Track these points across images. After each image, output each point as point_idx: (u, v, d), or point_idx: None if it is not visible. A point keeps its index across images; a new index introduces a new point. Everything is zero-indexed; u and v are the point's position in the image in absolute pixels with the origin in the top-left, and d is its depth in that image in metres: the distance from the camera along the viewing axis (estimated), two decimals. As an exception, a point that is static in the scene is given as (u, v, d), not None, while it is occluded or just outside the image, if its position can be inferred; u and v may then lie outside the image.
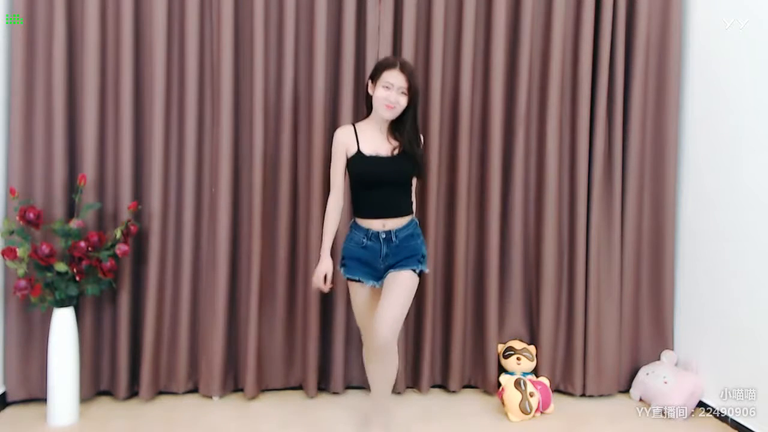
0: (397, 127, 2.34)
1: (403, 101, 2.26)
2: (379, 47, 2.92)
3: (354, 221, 2.39)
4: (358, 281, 2.36)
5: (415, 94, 2.29)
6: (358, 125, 2.37)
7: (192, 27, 2.83)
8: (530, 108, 3.07)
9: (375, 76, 2.29)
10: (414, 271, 2.32)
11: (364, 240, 2.32)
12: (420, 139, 2.40)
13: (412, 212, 2.41)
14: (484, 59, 3.03)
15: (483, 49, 3.03)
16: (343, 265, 2.37)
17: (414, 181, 2.45)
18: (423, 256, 2.37)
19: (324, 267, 2.36)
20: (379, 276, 2.36)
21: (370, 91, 2.32)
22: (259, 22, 2.85)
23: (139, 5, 2.84)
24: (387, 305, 2.22)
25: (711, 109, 2.95)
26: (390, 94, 2.24)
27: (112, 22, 2.82)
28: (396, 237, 2.32)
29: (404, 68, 2.25)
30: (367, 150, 2.30)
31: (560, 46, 3.00)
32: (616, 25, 3.02)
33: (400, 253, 2.32)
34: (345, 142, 2.33)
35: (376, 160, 2.29)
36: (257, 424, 2.70)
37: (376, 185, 2.30)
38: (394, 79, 2.23)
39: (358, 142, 2.32)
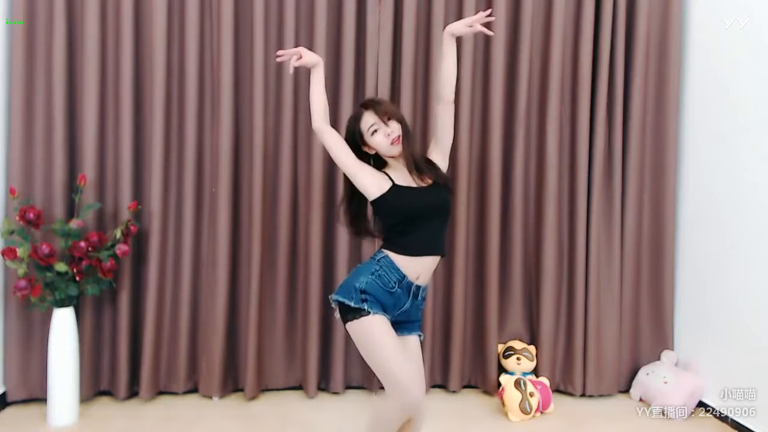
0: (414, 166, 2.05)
1: (394, 128, 1.99)
2: (379, 47, 2.92)
3: (386, 258, 1.97)
4: (383, 314, 1.92)
5: (399, 116, 2.04)
6: (385, 170, 2.07)
7: (192, 27, 2.83)
8: (530, 108, 3.07)
9: (357, 137, 2.03)
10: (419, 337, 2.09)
11: (395, 286, 1.94)
12: (433, 164, 2.11)
13: None
14: (484, 59, 3.03)
15: (483, 49, 3.03)
16: (363, 300, 1.90)
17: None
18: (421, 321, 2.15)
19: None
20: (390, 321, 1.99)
21: (370, 150, 2.05)
22: (259, 22, 2.85)
23: (139, 5, 2.84)
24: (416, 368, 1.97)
25: (711, 108, 2.95)
26: (383, 132, 1.98)
27: (112, 22, 2.82)
28: (420, 294, 2.02)
29: (369, 104, 2.03)
30: (402, 182, 2.01)
31: (560, 46, 3.00)
32: (616, 25, 3.02)
33: (412, 313, 2.03)
34: (376, 172, 2.03)
35: (416, 191, 2.00)
36: (257, 424, 2.70)
37: (423, 217, 1.98)
38: (370, 118, 1.99)
39: (390, 176, 2.02)
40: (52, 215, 2.72)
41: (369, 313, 1.87)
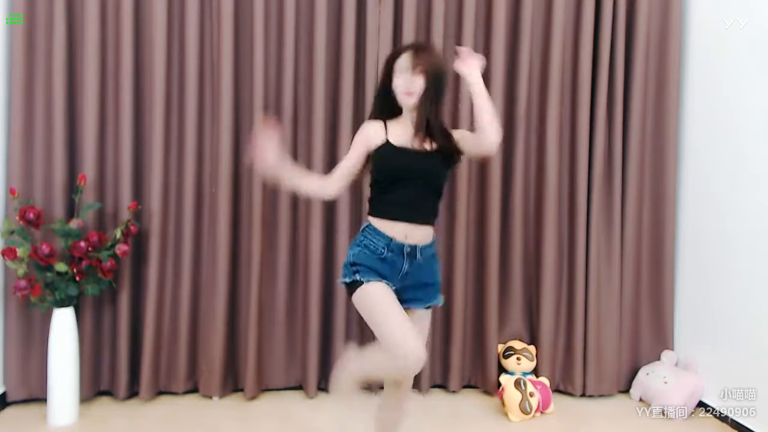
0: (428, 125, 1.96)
1: (419, 82, 1.90)
2: (379, 47, 2.92)
3: (369, 225, 1.96)
4: (382, 281, 1.88)
5: (437, 74, 1.91)
6: (389, 121, 2.01)
7: (192, 27, 2.83)
8: (530, 108, 3.07)
9: (389, 72, 1.97)
10: (432, 307, 2.02)
11: (384, 251, 1.90)
12: (448, 133, 1.98)
13: (435, 224, 2.02)
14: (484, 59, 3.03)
15: (483, 49, 3.03)
16: (355, 272, 1.89)
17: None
18: (439, 285, 2.06)
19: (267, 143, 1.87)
20: (395, 290, 1.92)
21: (392, 85, 1.97)
22: (259, 22, 2.85)
23: (139, 5, 2.84)
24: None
25: (711, 109, 2.95)
26: (404, 80, 1.91)
27: (112, 22, 2.82)
28: (421, 254, 1.94)
29: (411, 47, 1.95)
30: (397, 141, 1.94)
31: (560, 46, 3.00)
32: (616, 25, 3.02)
33: (420, 274, 1.95)
34: (370, 133, 1.98)
35: (407, 151, 1.93)
36: (257, 424, 2.70)
37: (406, 180, 1.92)
38: (403, 62, 1.92)
39: (387, 132, 1.97)
40: (52, 215, 2.72)
41: (362, 282, 1.85)
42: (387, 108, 2.01)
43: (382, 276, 1.88)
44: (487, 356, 3.05)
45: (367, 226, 1.96)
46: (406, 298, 1.94)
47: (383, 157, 1.93)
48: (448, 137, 1.96)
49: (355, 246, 1.95)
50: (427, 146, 1.94)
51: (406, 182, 1.91)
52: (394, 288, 1.90)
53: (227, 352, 2.93)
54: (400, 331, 1.76)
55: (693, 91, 3.06)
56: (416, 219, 1.93)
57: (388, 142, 1.94)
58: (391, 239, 1.90)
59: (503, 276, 3.11)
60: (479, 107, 1.85)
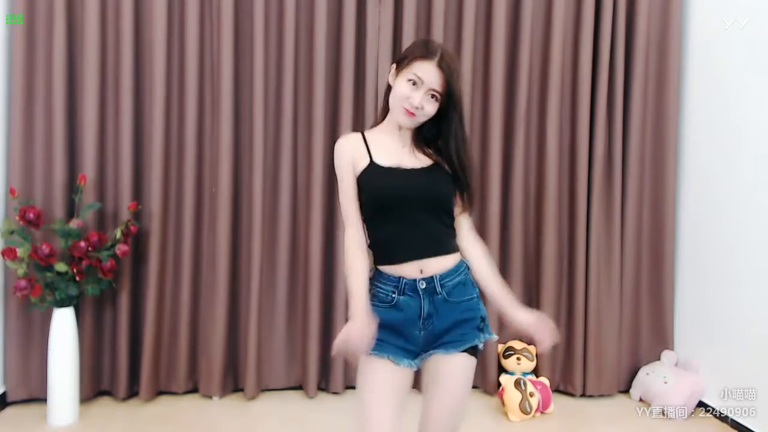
0: (426, 138, 1.60)
1: (429, 108, 1.52)
2: (379, 47, 2.92)
3: (376, 269, 1.60)
4: (385, 358, 1.52)
5: (454, 100, 1.53)
6: (369, 132, 1.63)
7: (192, 27, 2.83)
8: (530, 108, 3.07)
9: (402, 63, 1.55)
10: (473, 352, 1.58)
11: (394, 295, 1.53)
12: (468, 159, 1.60)
13: (455, 249, 1.60)
14: (484, 59, 3.03)
15: (483, 49, 3.03)
16: None
17: (460, 208, 1.61)
18: (483, 319, 1.61)
19: (357, 327, 1.45)
20: (416, 351, 1.55)
21: (390, 80, 1.58)
22: (259, 22, 2.85)
23: (139, 5, 2.84)
24: (438, 414, 1.55)
25: (711, 109, 2.95)
26: (414, 94, 1.51)
27: (112, 22, 2.82)
28: (442, 287, 1.54)
29: (443, 63, 1.50)
30: (384, 160, 1.55)
31: (560, 46, 3.00)
32: (616, 25, 3.02)
33: (449, 313, 1.55)
34: (350, 152, 1.58)
35: (397, 172, 1.54)
36: (257, 424, 2.70)
37: (401, 209, 1.53)
38: (426, 73, 1.50)
39: (369, 151, 1.57)
40: (52, 215, 2.72)
41: (370, 353, 1.49)
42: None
43: (393, 342, 1.52)
44: (487, 356, 3.04)
45: (375, 271, 1.59)
46: (436, 344, 1.55)
47: (372, 182, 1.54)
48: (466, 161, 1.57)
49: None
50: (422, 161, 1.57)
51: (402, 211, 1.53)
52: (412, 357, 1.53)
53: (227, 352, 2.93)
54: (366, 426, 1.48)
55: (693, 91, 3.06)
56: (429, 252, 1.55)
57: (373, 163, 1.55)
58: (399, 278, 1.53)
59: (503, 276, 3.08)
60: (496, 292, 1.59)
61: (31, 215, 2.54)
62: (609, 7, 2.98)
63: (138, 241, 2.87)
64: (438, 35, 2.93)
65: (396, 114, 1.55)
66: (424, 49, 1.53)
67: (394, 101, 1.55)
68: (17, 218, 2.56)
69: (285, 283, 3.00)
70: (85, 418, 2.70)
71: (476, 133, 3.06)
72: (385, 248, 1.57)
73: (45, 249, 2.52)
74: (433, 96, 1.52)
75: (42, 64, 2.76)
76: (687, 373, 2.92)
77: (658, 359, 3.08)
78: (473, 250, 1.63)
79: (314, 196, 2.91)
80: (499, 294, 1.60)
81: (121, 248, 2.63)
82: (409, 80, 1.51)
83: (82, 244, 2.57)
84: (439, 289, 1.54)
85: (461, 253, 1.60)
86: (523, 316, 1.58)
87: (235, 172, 2.92)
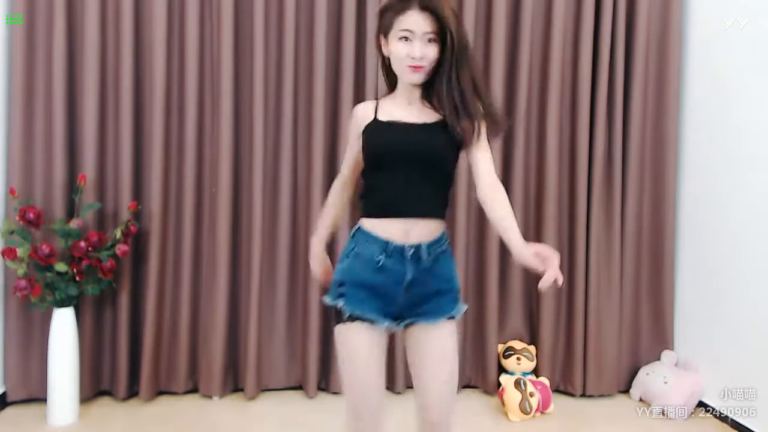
0: (436, 92, 1.53)
1: (431, 53, 1.48)
2: (379, 47, 2.92)
3: (359, 229, 1.58)
4: (367, 320, 1.50)
5: (456, 37, 1.47)
6: (382, 99, 1.65)
7: (192, 27, 2.83)
8: (530, 108, 3.07)
9: (386, 29, 1.52)
10: (453, 318, 1.59)
11: (381, 257, 1.51)
12: (487, 100, 1.55)
13: (443, 217, 1.59)
14: (484, 59, 3.03)
15: (483, 50, 3.03)
16: (339, 295, 1.53)
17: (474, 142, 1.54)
18: (459, 290, 1.63)
19: (314, 257, 1.74)
20: (396, 314, 1.54)
21: (384, 52, 1.56)
22: (259, 22, 2.85)
23: (139, 5, 2.84)
24: (433, 375, 1.54)
25: (711, 109, 2.95)
26: (411, 48, 1.47)
27: (112, 22, 2.81)
28: (428, 254, 1.53)
29: (422, 3, 1.46)
30: (386, 117, 1.57)
31: (560, 45, 3.00)
32: (616, 25, 3.02)
33: (429, 282, 1.54)
34: (362, 115, 1.61)
35: (394, 126, 1.54)
36: (257, 424, 2.70)
37: (396, 163, 1.52)
38: (412, 23, 1.47)
39: (376, 111, 1.59)
40: (52, 215, 2.72)
41: (345, 314, 1.50)
42: (391, 76, 1.63)
43: (373, 303, 1.51)
44: (487, 356, 3.04)
45: (357, 230, 1.58)
46: (416, 313, 1.55)
47: (369, 137, 1.56)
48: (466, 110, 1.50)
49: (344, 257, 1.57)
50: (426, 118, 1.54)
51: (395, 164, 1.51)
52: (391, 318, 1.53)
53: (227, 352, 2.93)
54: (355, 406, 1.52)
55: (693, 91, 3.06)
56: (416, 211, 1.53)
57: (376, 119, 1.57)
58: (387, 242, 1.51)
59: (503, 276, 3.11)
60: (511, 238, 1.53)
61: (31, 215, 2.54)
62: (609, 7, 2.98)
63: (138, 241, 2.87)
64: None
65: (405, 76, 1.53)
66: (398, 3, 1.50)
67: (397, 65, 1.53)
68: (17, 218, 2.56)
69: (285, 283, 3.00)
70: (85, 418, 2.70)
71: (476, 133, 3.05)
72: (375, 198, 1.56)
73: (45, 249, 2.52)
74: (430, 40, 1.48)
75: (42, 64, 2.76)
76: (687, 373, 2.92)
77: (658, 359, 3.08)
78: (494, 200, 1.51)
79: (314, 196, 2.91)
80: (515, 238, 1.56)
81: (121, 248, 2.63)
82: (401, 38, 1.49)
83: (82, 244, 2.57)
84: (425, 256, 1.53)
85: (481, 198, 1.53)
86: (530, 250, 1.54)
87: (235, 172, 2.92)
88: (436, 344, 1.55)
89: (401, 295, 1.53)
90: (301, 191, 2.98)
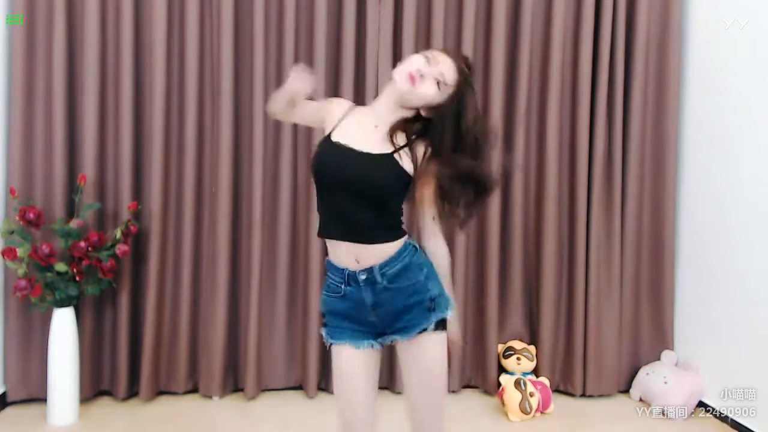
0: (405, 126, 1.53)
1: (430, 89, 1.47)
2: (379, 47, 2.92)
3: (327, 259, 1.61)
4: (345, 344, 1.55)
5: (463, 93, 1.49)
6: (358, 108, 1.63)
7: (192, 27, 2.83)
8: (530, 108, 3.07)
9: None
10: (437, 327, 1.55)
11: (342, 286, 1.54)
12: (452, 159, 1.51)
13: (396, 237, 1.55)
14: (484, 59, 3.03)
15: (483, 50, 3.03)
16: (324, 324, 1.60)
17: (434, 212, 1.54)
18: (433, 299, 1.56)
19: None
20: (375, 332, 1.56)
21: None
22: (259, 22, 2.85)
23: (139, 5, 2.84)
24: (415, 396, 1.57)
25: (711, 109, 2.95)
26: (423, 65, 1.47)
27: (112, 22, 2.82)
28: (382, 276, 1.51)
29: (458, 60, 1.51)
30: (339, 136, 1.53)
31: (560, 46, 3.00)
32: (616, 25, 3.02)
33: (394, 300, 1.52)
34: (330, 110, 1.61)
35: (339, 149, 1.51)
36: (257, 424, 2.70)
37: (330, 188, 1.52)
38: (441, 59, 1.48)
39: (338, 123, 1.57)
40: (52, 215, 2.72)
41: (327, 343, 1.59)
42: None
43: (350, 328, 1.54)
44: (487, 356, 3.04)
45: (327, 263, 1.60)
46: (392, 330, 1.54)
47: (316, 150, 1.56)
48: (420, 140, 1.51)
49: (323, 288, 1.61)
50: (379, 147, 1.50)
51: (331, 189, 1.51)
52: (372, 337, 1.55)
53: (227, 352, 2.93)
54: (345, 419, 1.56)
55: (693, 91, 3.06)
56: (358, 238, 1.51)
57: (328, 136, 1.54)
58: (343, 270, 1.53)
59: (503, 276, 3.11)
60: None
61: (31, 215, 2.54)
62: (609, 7, 2.98)
63: (138, 241, 2.87)
64: (438, 35, 2.93)
65: (397, 78, 1.48)
66: (443, 49, 1.54)
67: (399, 67, 1.50)
68: (17, 218, 2.56)
69: (285, 283, 3.00)
70: (85, 418, 2.70)
71: (476, 133, 3.05)
72: (321, 220, 1.58)
73: (45, 249, 2.52)
74: (438, 83, 1.47)
75: (42, 64, 2.76)
76: (687, 373, 2.92)
77: (658, 359, 3.08)
78: (432, 257, 1.59)
79: (314, 195, 2.89)
80: None
81: (121, 248, 2.63)
82: (424, 56, 1.49)
83: (82, 244, 2.57)
84: (378, 278, 1.51)
85: (424, 244, 1.58)
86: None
87: (235, 172, 2.92)
88: (413, 363, 1.56)
89: (371, 315, 1.55)
90: (301, 191, 2.98)
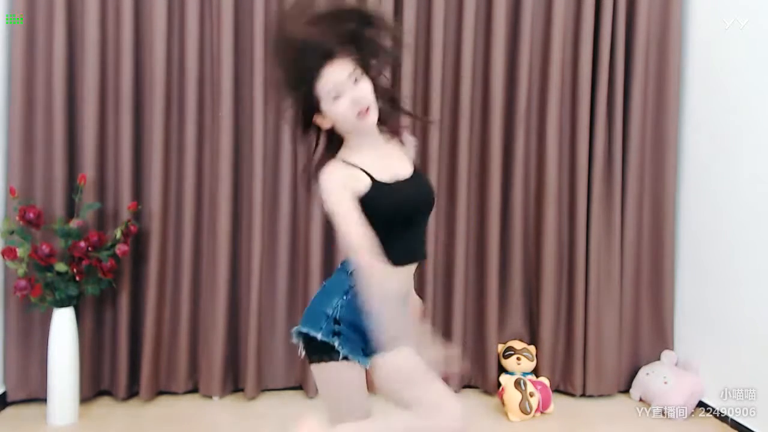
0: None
1: (365, 88, 1.43)
2: (379, 47, 2.92)
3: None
4: (358, 362, 1.50)
5: (370, 50, 1.44)
6: (346, 158, 1.50)
7: (192, 27, 2.83)
8: (530, 108, 3.07)
9: (311, 103, 1.44)
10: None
11: None
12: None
13: None
14: (484, 59, 3.03)
15: (483, 49, 3.03)
16: (335, 333, 1.47)
17: None
18: None
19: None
20: (368, 352, 1.52)
21: (323, 124, 1.48)
22: (259, 22, 2.85)
23: (139, 5, 2.84)
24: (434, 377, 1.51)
25: (711, 109, 2.95)
26: (347, 98, 1.41)
27: (112, 22, 2.81)
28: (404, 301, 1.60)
29: (318, 54, 1.39)
30: (383, 176, 1.49)
31: (560, 46, 3.00)
32: (616, 25, 3.02)
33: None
34: (346, 178, 1.45)
35: (404, 185, 1.52)
36: (257, 424, 2.70)
37: (414, 219, 1.55)
38: (330, 78, 1.40)
39: (364, 171, 1.47)
40: (52, 215, 2.72)
41: (339, 355, 1.46)
42: (333, 144, 1.53)
43: (363, 348, 1.49)
44: (487, 356, 3.04)
45: (356, 269, 1.44)
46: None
47: (387, 199, 1.47)
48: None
49: (341, 293, 1.50)
50: (406, 167, 1.56)
51: (414, 219, 1.55)
52: (367, 352, 1.52)
53: (227, 352, 2.93)
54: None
55: (693, 91, 3.06)
56: (424, 254, 1.60)
57: (377, 182, 1.47)
58: None
59: (503, 276, 3.11)
60: None
61: (31, 215, 2.54)
62: (609, 7, 2.98)
63: (138, 241, 2.87)
64: (438, 35, 2.93)
65: (358, 127, 1.45)
66: (301, 73, 1.40)
67: (345, 123, 1.45)
68: (17, 218, 2.56)
69: (285, 283, 3.00)
70: (85, 418, 2.70)
71: (476, 133, 3.06)
72: (394, 252, 1.48)
73: (45, 249, 2.52)
74: (355, 80, 1.41)
75: (42, 64, 2.76)
76: (687, 373, 2.92)
77: (658, 359, 3.08)
78: None
79: (314, 196, 2.90)
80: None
81: (121, 248, 2.63)
82: (333, 98, 1.41)
83: (82, 244, 2.57)
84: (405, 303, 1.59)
85: None
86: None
87: (235, 172, 2.92)
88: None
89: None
90: (301, 191, 2.98)
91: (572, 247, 3.07)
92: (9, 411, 2.76)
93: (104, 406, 2.84)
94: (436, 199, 1.62)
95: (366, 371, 1.53)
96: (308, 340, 1.50)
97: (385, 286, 1.41)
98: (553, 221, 3.03)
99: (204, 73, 2.90)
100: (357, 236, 1.39)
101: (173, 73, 2.87)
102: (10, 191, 2.63)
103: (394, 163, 1.54)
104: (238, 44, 2.89)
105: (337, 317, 1.48)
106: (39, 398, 2.77)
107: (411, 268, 1.57)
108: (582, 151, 3.03)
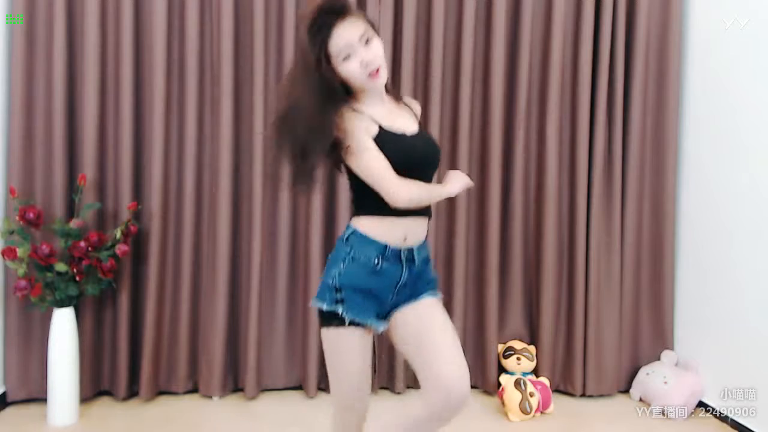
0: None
1: (377, 50, 1.54)
2: (379, 47, 2.92)
3: (354, 232, 1.60)
4: (364, 326, 1.57)
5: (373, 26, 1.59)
6: (358, 106, 1.61)
7: (192, 27, 2.83)
8: (530, 108, 3.07)
9: (325, 63, 1.51)
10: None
11: (378, 261, 1.56)
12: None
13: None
14: (484, 59, 3.03)
15: (483, 49, 3.03)
16: (337, 300, 1.55)
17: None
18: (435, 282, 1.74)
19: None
20: (384, 315, 1.62)
21: (341, 72, 1.55)
22: (259, 22, 2.85)
23: (139, 5, 2.84)
24: (443, 340, 1.56)
25: (711, 108, 2.95)
26: (358, 59, 1.52)
27: (112, 22, 2.82)
28: (418, 257, 1.63)
29: (333, 14, 1.50)
30: (392, 128, 1.59)
31: (560, 46, 3.00)
32: (616, 25, 3.02)
33: (418, 284, 1.65)
34: (361, 124, 1.55)
35: (411, 138, 1.61)
36: (257, 424, 2.70)
37: (419, 172, 1.60)
38: (341, 38, 1.50)
39: (373, 119, 1.57)
40: (52, 215, 2.72)
41: (344, 320, 1.54)
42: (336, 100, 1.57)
43: (373, 308, 1.57)
44: (487, 356, 3.04)
45: (352, 234, 1.59)
46: (414, 300, 1.64)
47: (394, 146, 1.55)
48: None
49: (339, 261, 1.58)
50: (411, 123, 1.66)
51: (418, 173, 1.59)
52: (383, 316, 1.61)
53: (227, 352, 2.93)
54: (347, 404, 1.67)
55: (693, 91, 3.06)
56: (427, 211, 1.64)
57: (383, 129, 1.56)
58: (386, 246, 1.57)
59: (503, 276, 3.11)
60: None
61: (31, 215, 2.54)
62: (609, 7, 2.98)
63: (138, 241, 2.87)
64: (438, 35, 2.93)
65: (369, 86, 1.56)
66: (316, 32, 1.49)
67: (357, 81, 1.55)
68: (17, 218, 2.56)
69: (285, 283, 3.00)
70: (85, 418, 2.70)
71: (476, 133, 3.06)
72: (386, 203, 1.55)
73: (45, 249, 2.52)
74: (367, 40, 1.53)
75: (42, 64, 2.76)
76: (687, 373, 2.92)
77: (658, 359, 3.08)
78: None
79: (314, 195, 2.90)
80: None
81: (121, 248, 2.63)
82: (344, 59, 1.52)
83: (82, 244, 2.57)
84: (416, 259, 1.62)
85: None
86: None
87: (235, 172, 2.92)
88: (434, 307, 1.64)
89: (392, 297, 1.61)
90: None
91: (572, 247, 3.07)
92: (9, 411, 2.76)
93: (104, 406, 2.84)
94: (439, 160, 1.72)
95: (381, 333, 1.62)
96: (319, 313, 1.61)
97: (414, 189, 1.54)
98: (553, 221, 3.03)
99: (204, 73, 2.90)
100: (381, 168, 1.52)
101: (173, 73, 2.87)
102: (10, 191, 2.63)
103: (402, 119, 1.64)
104: (238, 44, 2.89)
105: (338, 285, 1.56)
106: (39, 398, 2.78)
107: (417, 221, 1.61)
108: (582, 151, 3.03)
